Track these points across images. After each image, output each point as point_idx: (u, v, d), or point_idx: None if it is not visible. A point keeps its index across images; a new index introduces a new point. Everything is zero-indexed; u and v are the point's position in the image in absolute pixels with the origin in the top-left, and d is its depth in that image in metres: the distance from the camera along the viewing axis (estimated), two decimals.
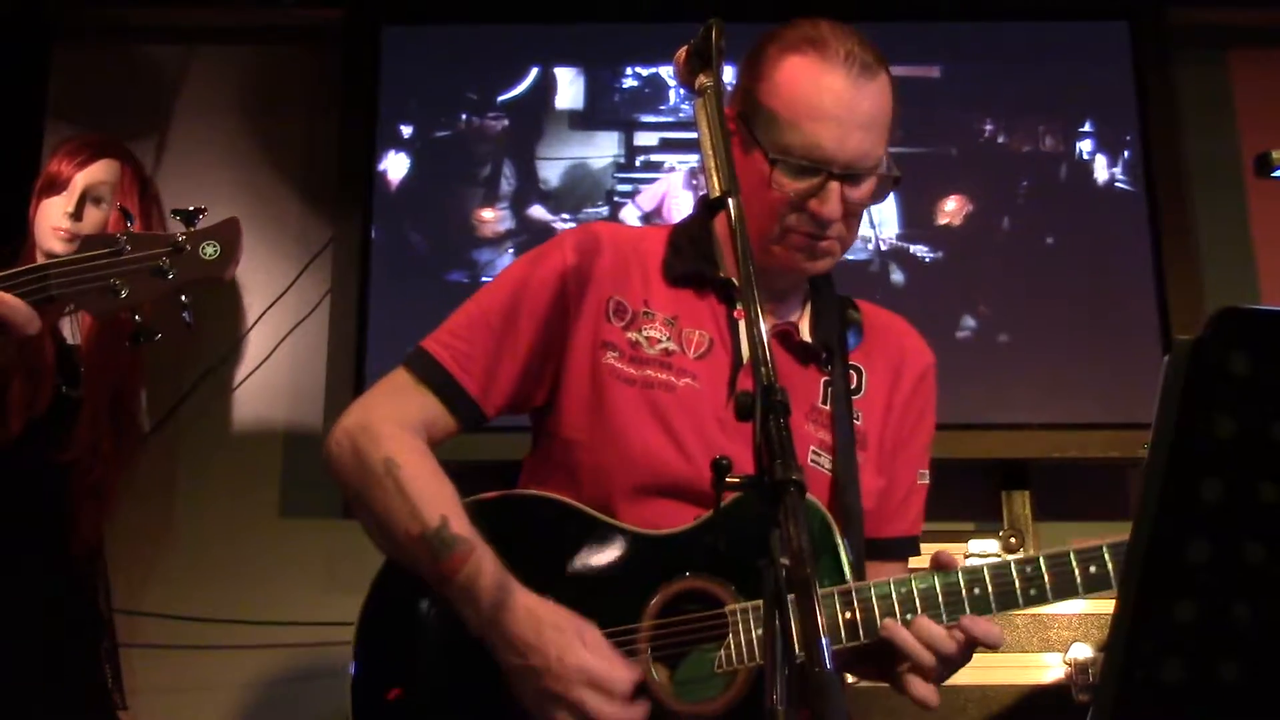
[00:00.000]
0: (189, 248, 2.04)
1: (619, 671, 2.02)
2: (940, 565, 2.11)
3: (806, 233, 2.21)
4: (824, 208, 2.16)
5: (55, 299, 2.01)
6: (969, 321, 4.17)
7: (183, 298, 2.10)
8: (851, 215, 2.23)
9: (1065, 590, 2.08)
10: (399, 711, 2.16)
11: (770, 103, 2.17)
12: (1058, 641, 3.32)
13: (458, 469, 2.21)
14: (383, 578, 2.22)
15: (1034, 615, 3.33)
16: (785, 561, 1.35)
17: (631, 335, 2.26)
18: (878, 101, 2.18)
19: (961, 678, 3.15)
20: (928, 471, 2.43)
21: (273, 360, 4.35)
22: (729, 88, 2.17)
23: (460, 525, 2.09)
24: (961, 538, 3.63)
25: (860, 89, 2.15)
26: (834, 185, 2.16)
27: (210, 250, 2.06)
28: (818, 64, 2.15)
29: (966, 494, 4.05)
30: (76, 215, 3.37)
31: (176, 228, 2.09)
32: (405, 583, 2.16)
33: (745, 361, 2.23)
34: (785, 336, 2.32)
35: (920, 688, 2.10)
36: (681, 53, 1.92)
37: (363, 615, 2.21)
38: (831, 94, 2.14)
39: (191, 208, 2.09)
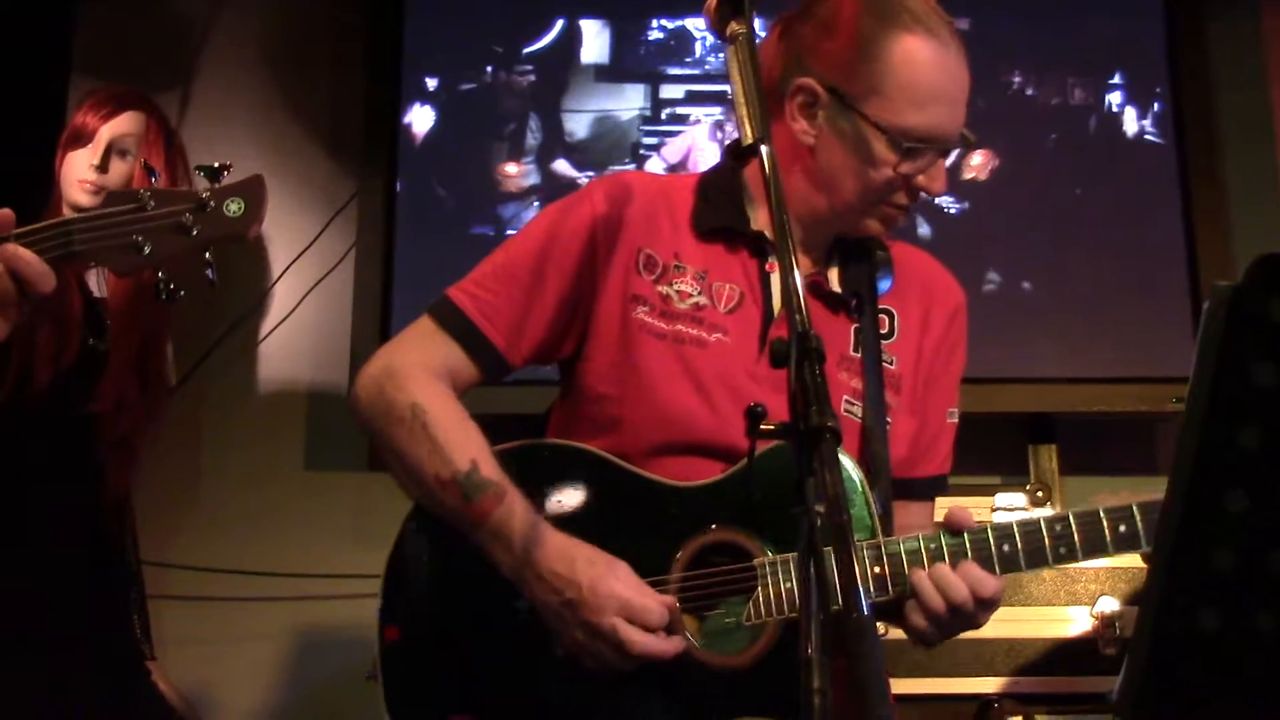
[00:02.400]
0: (213, 204, 2.02)
1: (652, 603, 2.03)
2: (952, 525, 2.11)
3: (902, 205, 2.24)
4: (934, 184, 2.22)
5: (77, 255, 2.00)
6: (995, 275, 4.14)
7: (206, 255, 2.08)
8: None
9: (1095, 549, 2.08)
10: (427, 656, 2.17)
11: (884, 84, 2.15)
12: (1084, 595, 3.32)
13: (478, 421, 2.20)
14: (410, 525, 2.23)
15: (1061, 569, 3.33)
16: (820, 509, 1.34)
17: (662, 289, 2.25)
18: (969, 72, 2.21)
19: (989, 631, 3.15)
20: (957, 410, 2.42)
21: (298, 314, 4.35)
22: (760, 37, 2.15)
23: (490, 469, 2.10)
24: (988, 491, 3.63)
25: (962, 62, 2.19)
26: (941, 161, 2.20)
27: (235, 207, 2.04)
28: (931, 42, 2.15)
29: (993, 448, 4.03)
30: (102, 167, 3.37)
31: (202, 181, 2.07)
32: (433, 529, 2.17)
33: (777, 315, 2.23)
34: (815, 287, 2.30)
35: (918, 618, 2.09)
36: (712, 0, 1.90)
37: (390, 562, 2.22)
38: (949, 75, 2.16)
39: (216, 164, 2.07)
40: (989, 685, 3.27)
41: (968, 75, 2.19)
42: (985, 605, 2.08)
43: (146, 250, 2.00)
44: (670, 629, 2.04)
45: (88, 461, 3.35)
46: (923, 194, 2.22)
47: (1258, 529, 1.21)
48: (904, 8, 2.17)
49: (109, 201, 2.03)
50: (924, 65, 2.14)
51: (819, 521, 1.33)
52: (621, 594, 2.01)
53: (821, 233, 2.30)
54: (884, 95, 2.15)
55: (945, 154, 2.21)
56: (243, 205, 2.04)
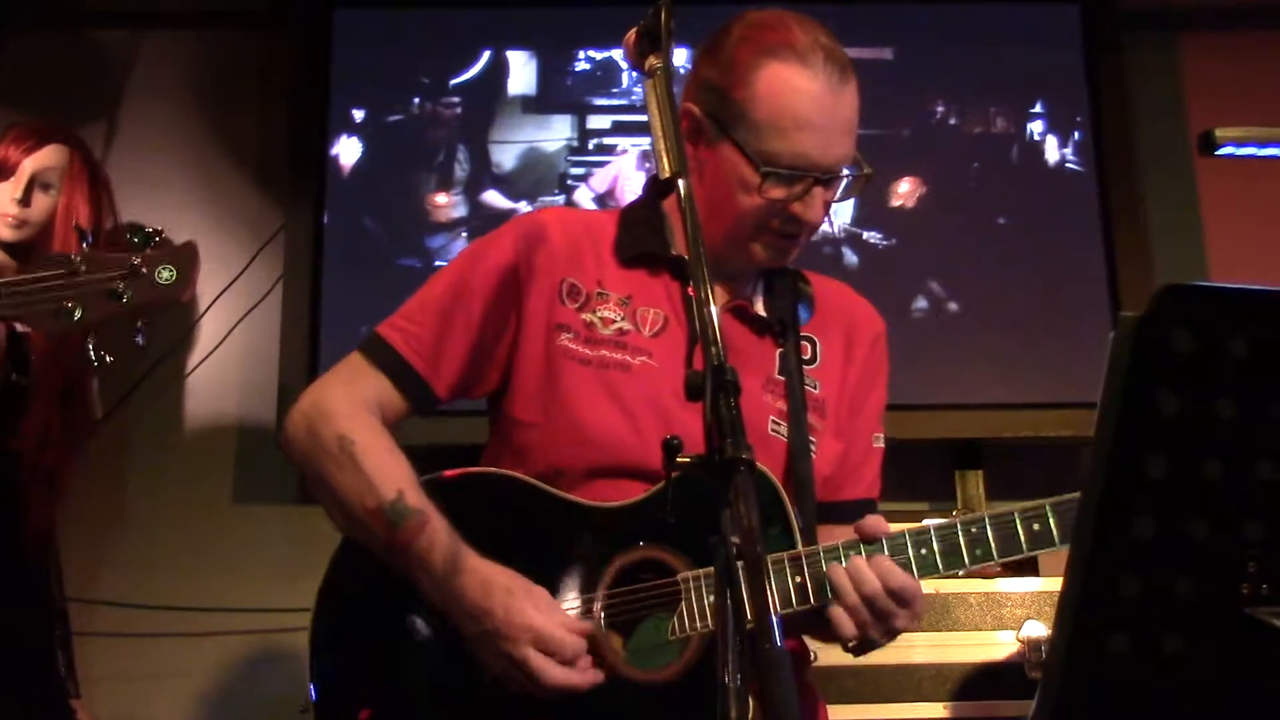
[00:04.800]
0: (145, 271, 2.03)
1: (566, 635, 2.04)
2: (863, 533, 2.13)
3: (785, 233, 2.24)
4: (808, 212, 2.21)
5: (4, 319, 2.00)
6: (921, 302, 4.19)
7: (137, 321, 2.09)
8: (825, 211, 2.26)
9: (1010, 548, 2.11)
10: (361, 686, 2.17)
11: (751, 110, 2.17)
12: (1011, 619, 3.35)
13: (414, 453, 2.21)
14: (339, 557, 2.23)
15: (987, 593, 3.36)
16: (735, 540, 1.36)
17: (586, 316, 2.28)
18: (853, 102, 2.21)
19: (916, 656, 3.19)
20: (882, 435, 2.46)
21: (225, 347, 4.33)
22: (681, 71, 2.18)
23: (415, 497, 2.11)
24: (915, 517, 3.61)
25: (840, 94, 2.18)
26: (817, 189, 2.20)
27: (166, 274, 2.05)
28: (799, 71, 2.16)
29: (920, 474, 4.07)
30: (24, 201, 3.34)
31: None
32: (363, 560, 2.17)
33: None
34: (740, 311, 2.34)
35: (843, 623, 2.09)
36: (631, 34, 1.92)
37: (320, 597, 2.21)
38: (816, 102, 2.15)
39: (149, 229, 2.08)
40: (917, 710, 3.29)
41: (848, 107, 2.19)
42: (902, 602, 2.08)
43: (76, 315, 2.00)
44: (588, 656, 2.06)
45: (10, 497, 3.31)
46: (803, 222, 2.22)
47: (1164, 555, 1.24)
48: (781, 40, 2.19)
49: (40, 265, 2.04)
50: (789, 93, 2.15)
51: (734, 552, 1.35)
52: (535, 624, 2.02)
53: (734, 261, 2.32)
54: (750, 121, 2.17)
55: (825, 184, 2.21)
56: (174, 272, 2.05)
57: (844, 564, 2.09)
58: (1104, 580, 1.24)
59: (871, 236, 4.22)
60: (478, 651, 2.07)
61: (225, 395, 4.32)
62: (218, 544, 4.18)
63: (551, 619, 2.04)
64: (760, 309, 2.36)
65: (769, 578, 2.09)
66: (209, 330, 4.33)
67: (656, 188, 2.35)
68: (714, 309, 1.60)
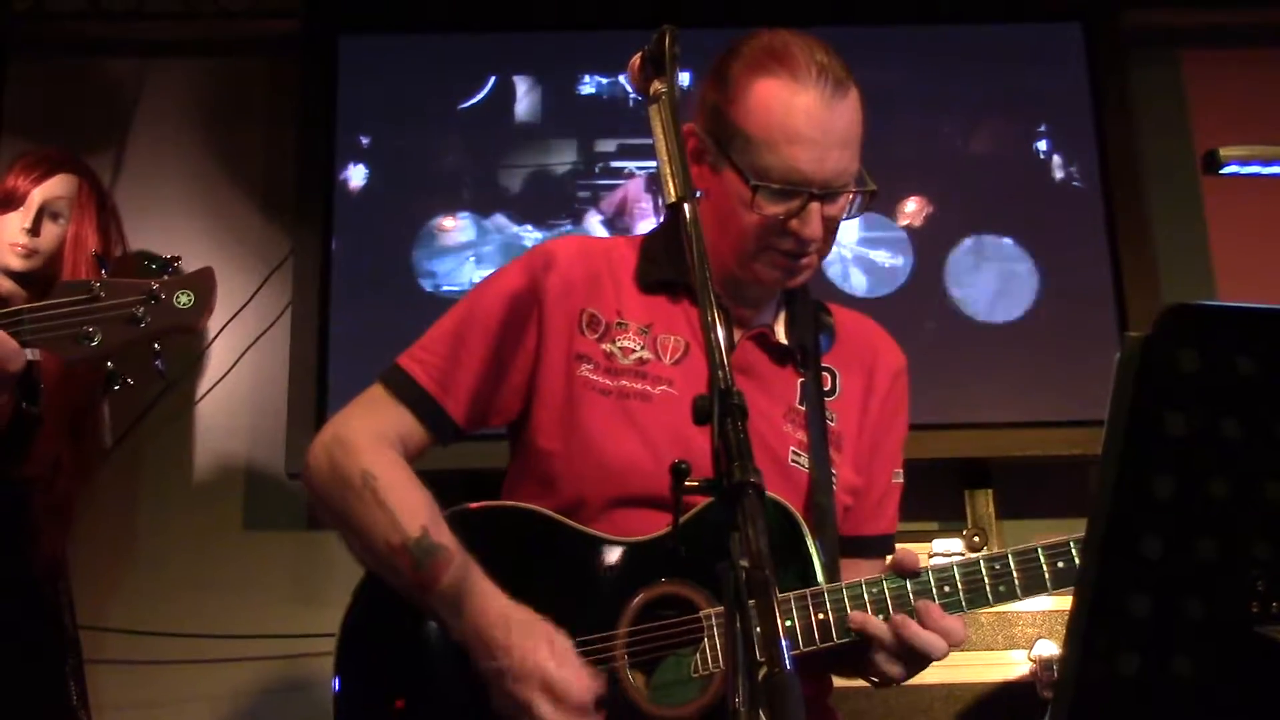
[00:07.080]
0: (163, 296, 2.04)
1: (576, 682, 2.01)
2: (901, 568, 2.12)
3: (787, 251, 2.22)
4: (805, 228, 2.18)
5: (27, 344, 2.02)
6: (930, 322, 4.19)
7: (155, 346, 2.11)
8: (829, 230, 2.24)
9: (1034, 586, 2.11)
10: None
11: (744, 126, 2.16)
12: (1022, 639, 3.34)
13: (430, 478, 2.21)
14: (362, 591, 2.22)
15: (999, 613, 3.35)
16: (744, 564, 1.36)
17: (606, 347, 2.27)
18: (851, 118, 2.18)
19: (927, 676, 3.16)
20: (901, 471, 2.45)
21: (234, 373, 4.33)
22: (686, 92, 2.17)
23: (440, 534, 2.10)
24: (925, 537, 3.65)
25: (834, 107, 2.15)
26: (814, 205, 2.16)
27: (184, 299, 2.07)
28: (790, 85, 2.14)
29: (930, 493, 4.06)
30: (34, 231, 3.36)
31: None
32: (386, 594, 2.16)
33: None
34: (762, 338, 2.34)
35: (889, 665, 2.11)
36: (635, 59, 1.93)
37: (344, 629, 2.21)
38: (807, 115, 2.13)
39: (167, 256, 2.10)
40: None
41: (843, 120, 2.16)
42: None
43: (96, 340, 2.02)
44: (596, 707, 2.03)
45: (21, 526, 3.32)
46: (802, 239, 2.19)
47: (1172, 575, 1.24)
48: (776, 57, 2.17)
49: (60, 292, 2.05)
50: (779, 107, 2.14)
51: (744, 576, 1.35)
52: (546, 668, 2.00)
53: (760, 287, 2.32)
54: (744, 137, 2.16)
55: (822, 199, 2.17)
56: (192, 297, 2.07)
57: (867, 611, 2.10)
58: (1113, 600, 1.24)
59: (879, 253, 4.22)
60: (491, 688, 2.05)
61: (234, 422, 4.32)
62: (228, 570, 4.18)
63: (564, 666, 2.02)
64: (781, 337, 2.36)
65: (778, 606, 2.08)
66: (218, 357, 4.34)
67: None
68: (721, 333, 1.61)
